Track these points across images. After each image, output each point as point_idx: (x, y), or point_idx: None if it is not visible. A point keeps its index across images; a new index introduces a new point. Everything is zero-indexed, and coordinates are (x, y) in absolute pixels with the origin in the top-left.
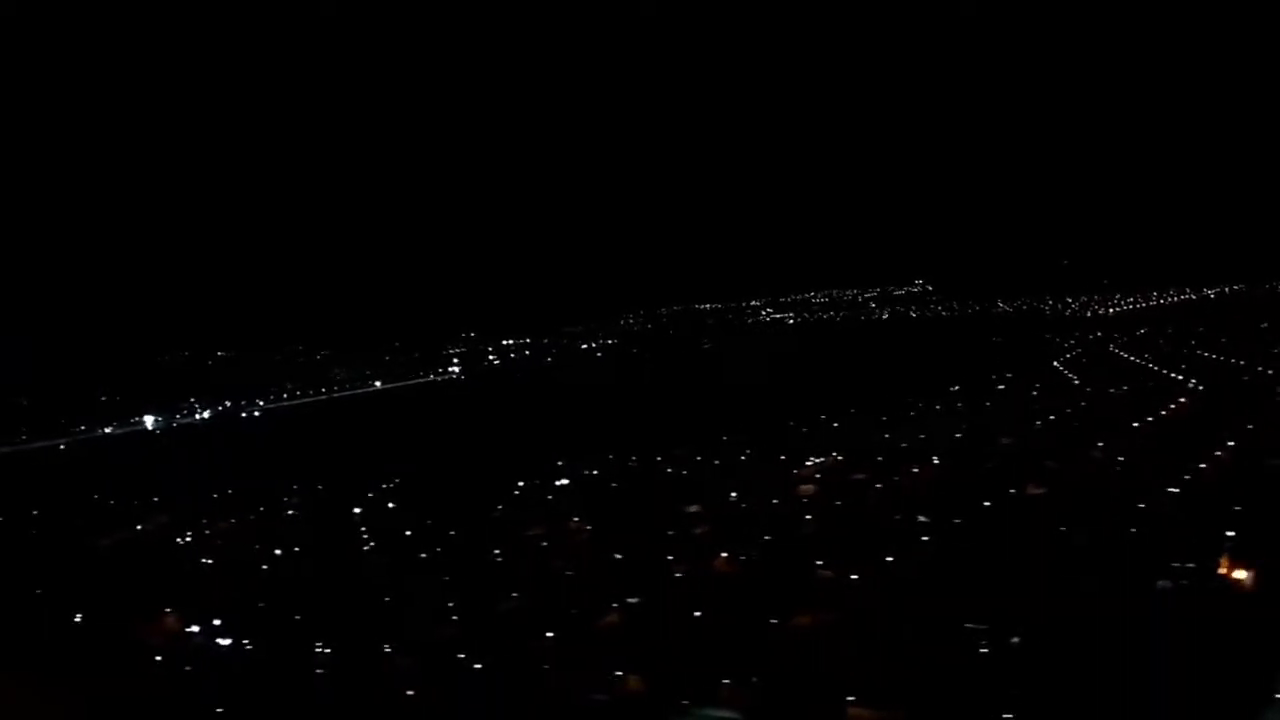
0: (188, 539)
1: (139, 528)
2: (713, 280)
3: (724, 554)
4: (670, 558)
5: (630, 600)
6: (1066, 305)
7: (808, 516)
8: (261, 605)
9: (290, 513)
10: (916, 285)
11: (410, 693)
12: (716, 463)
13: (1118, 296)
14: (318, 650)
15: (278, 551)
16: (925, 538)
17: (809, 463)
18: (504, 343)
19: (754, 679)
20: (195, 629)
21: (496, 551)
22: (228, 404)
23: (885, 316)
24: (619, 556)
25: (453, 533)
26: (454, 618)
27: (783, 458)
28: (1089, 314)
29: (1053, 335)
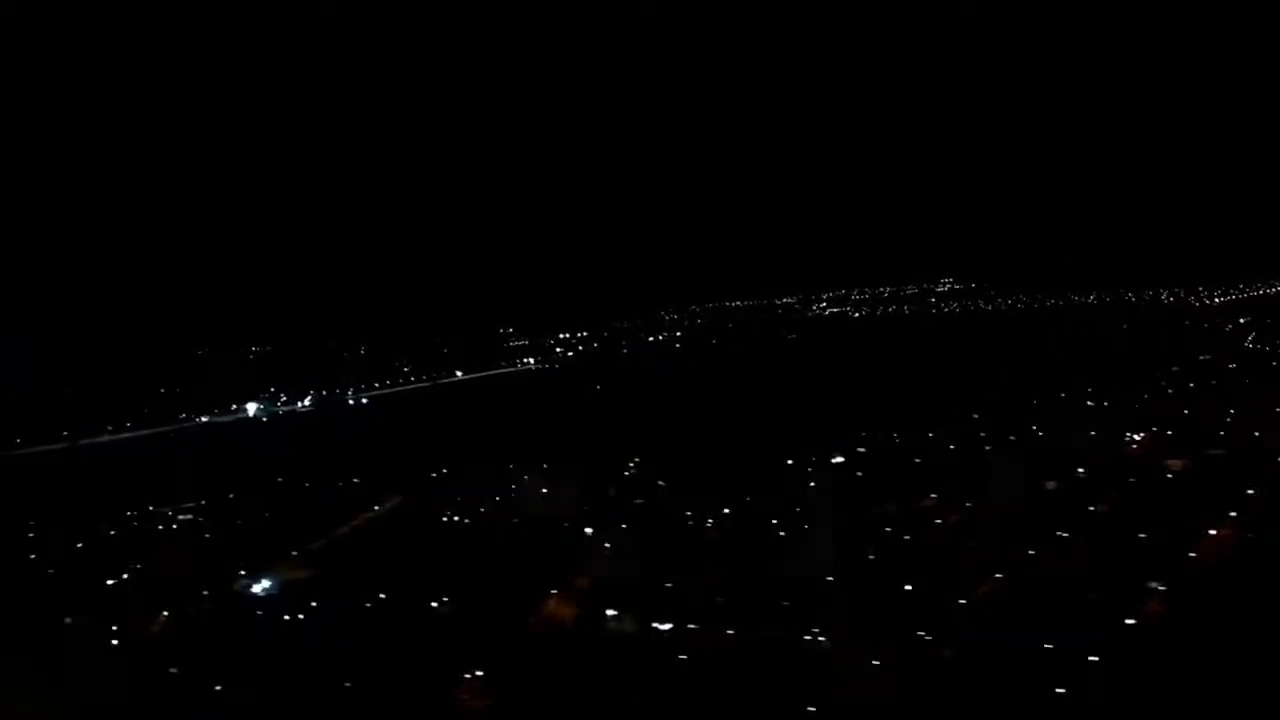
0: (456, 518)
1: (376, 509)
2: (730, 279)
3: (1211, 532)
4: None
5: (1158, 587)
6: (1159, 297)
7: (1249, 491)
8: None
9: (545, 491)
10: (948, 282)
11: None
12: (1012, 439)
13: (1200, 289)
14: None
15: (589, 530)
16: None
17: (1134, 439)
18: (562, 335)
19: None
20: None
21: (889, 529)
22: (323, 392)
23: (956, 309)
24: (1065, 535)
25: (798, 511)
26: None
27: (1092, 433)
28: (1195, 305)
29: (1192, 323)
